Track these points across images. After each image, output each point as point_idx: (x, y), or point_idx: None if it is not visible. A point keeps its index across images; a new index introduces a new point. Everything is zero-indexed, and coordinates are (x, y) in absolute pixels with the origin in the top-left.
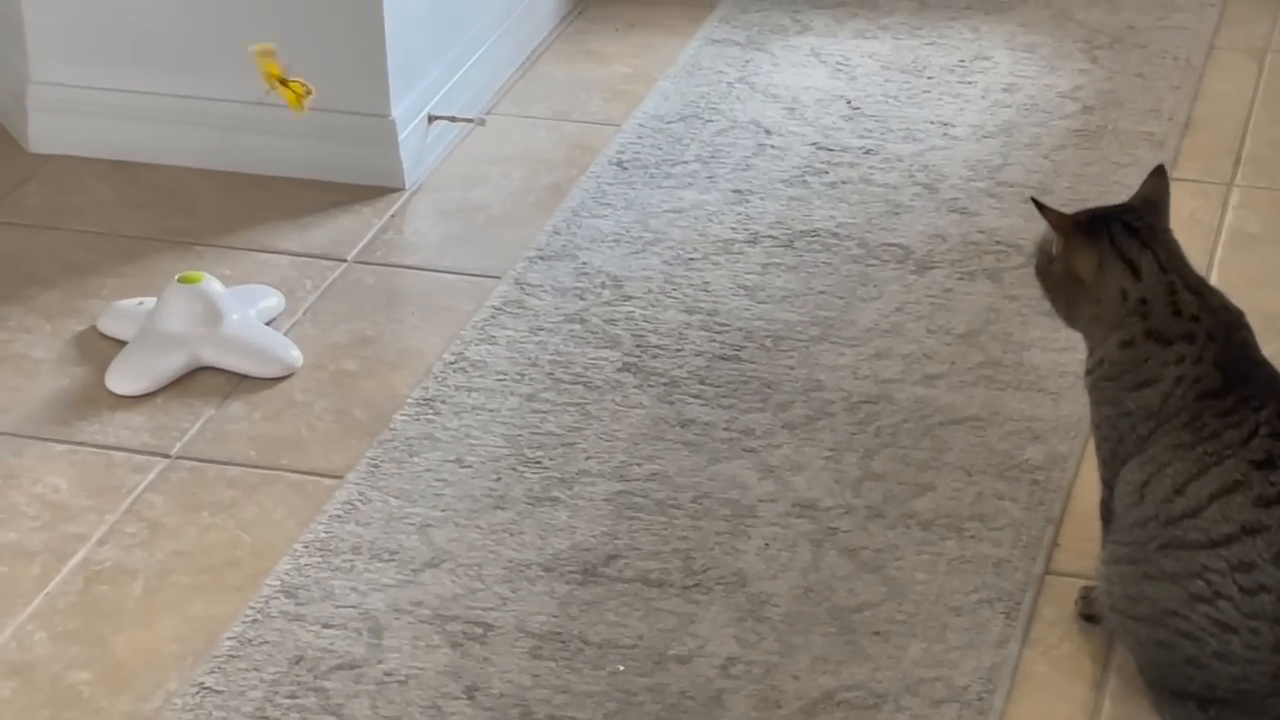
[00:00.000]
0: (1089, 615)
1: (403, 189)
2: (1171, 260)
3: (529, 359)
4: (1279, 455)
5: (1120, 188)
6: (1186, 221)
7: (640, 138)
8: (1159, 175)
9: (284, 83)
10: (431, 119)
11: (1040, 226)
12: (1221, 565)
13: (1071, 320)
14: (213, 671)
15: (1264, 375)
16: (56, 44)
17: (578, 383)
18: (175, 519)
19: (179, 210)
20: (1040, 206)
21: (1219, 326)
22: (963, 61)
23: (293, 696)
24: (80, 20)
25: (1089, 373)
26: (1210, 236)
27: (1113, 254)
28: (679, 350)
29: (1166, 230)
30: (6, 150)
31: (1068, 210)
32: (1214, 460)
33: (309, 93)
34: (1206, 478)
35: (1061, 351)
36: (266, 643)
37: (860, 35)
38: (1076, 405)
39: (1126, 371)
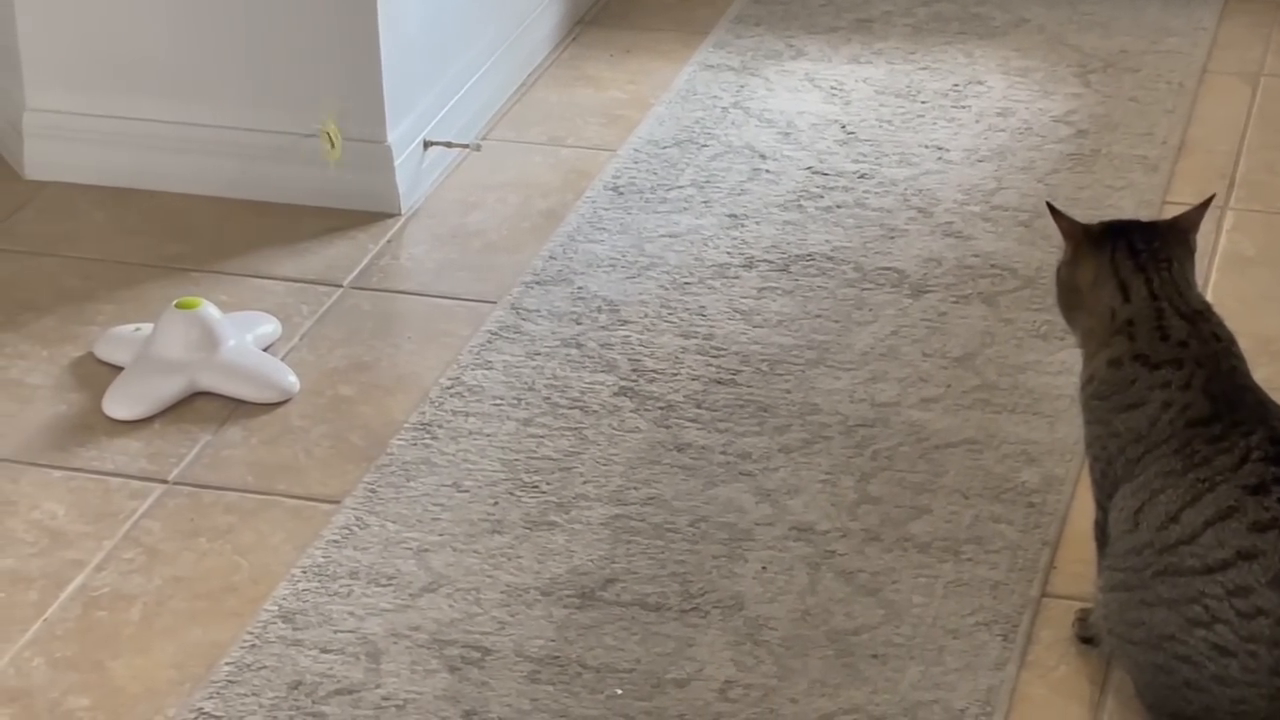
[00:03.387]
0: (1086, 638)
1: (399, 214)
2: (1165, 286)
3: (525, 383)
4: (1271, 480)
5: (1115, 211)
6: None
7: (636, 163)
8: (1205, 206)
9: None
10: (427, 144)
11: (1040, 249)
12: (1218, 590)
13: (1071, 327)
14: (211, 697)
15: (1253, 401)
16: (52, 71)
17: (574, 407)
18: (173, 545)
19: (175, 236)
20: (1054, 211)
21: (1208, 354)
22: (957, 86)
23: None
24: (76, 47)
25: (1082, 388)
26: (1204, 259)
27: (1109, 271)
28: (675, 374)
29: (1175, 255)
30: (2, 177)
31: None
32: (1206, 487)
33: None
34: (1200, 504)
35: (1056, 375)
36: (265, 668)
37: (854, 60)
38: (1072, 428)
39: (1115, 391)
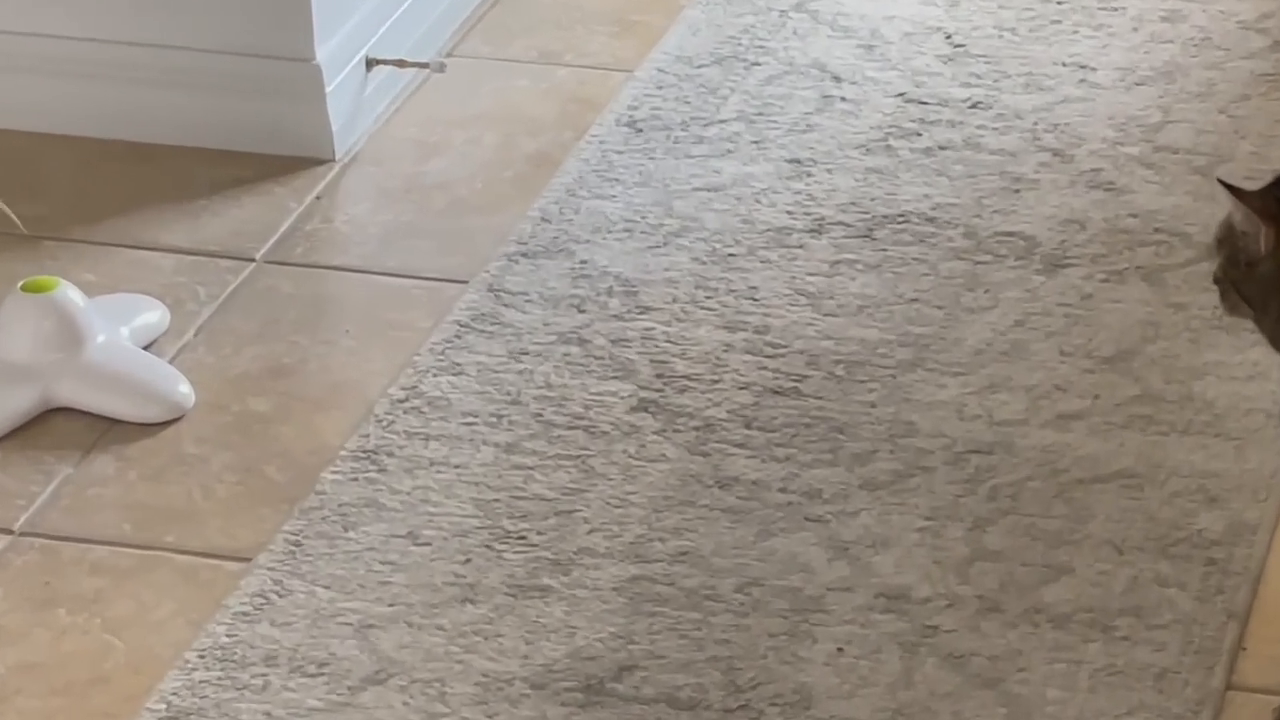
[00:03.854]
0: None
1: (332, 160)
2: None
3: (508, 395)
4: None
5: None
6: None
7: (660, 88)
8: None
9: None
10: (371, 64)
11: (1222, 208)
12: None
13: (1261, 329)
14: None
15: None
16: None
17: (576, 427)
18: (19, 619)
19: (23, 190)
20: (1232, 190)
21: None
22: None
23: None
24: None
25: None
26: None
27: None
28: (716, 381)
29: None
30: None
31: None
32: None
33: None
34: None
35: (1247, 381)
36: None
37: None
38: (1268, 455)
39: None
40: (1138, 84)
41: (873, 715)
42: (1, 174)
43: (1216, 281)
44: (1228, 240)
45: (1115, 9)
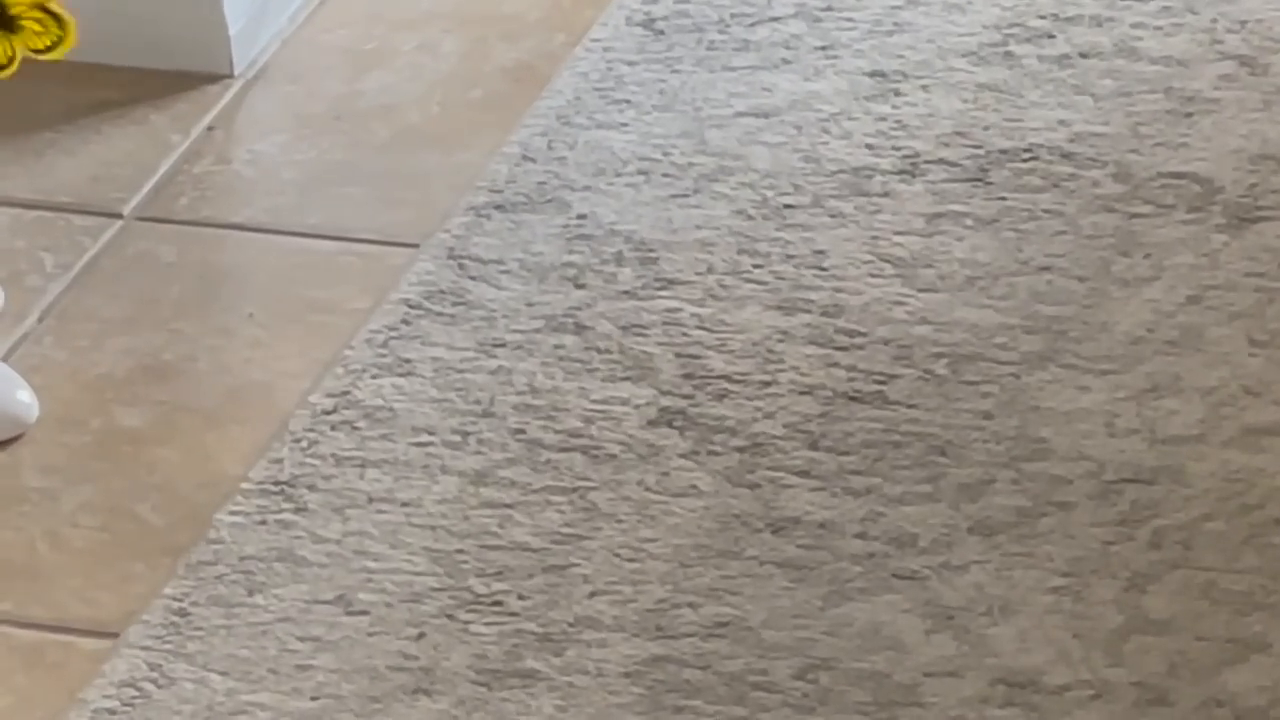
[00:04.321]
0: None
1: (230, 75)
2: None
3: (477, 404)
4: None
5: None
6: None
7: None
8: None
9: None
10: None
11: None
12: None
13: None
14: None
15: None
16: None
17: (572, 448)
18: None
19: None
20: None
21: None
22: None
23: None
24: None
25: None
26: None
27: None
28: (768, 384)
29: None
30: None
31: None
32: None
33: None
34: None
35: None
36: None
37: None
38: None
39: None
40: None
41: None
42: None
43: None
44: None
45: None
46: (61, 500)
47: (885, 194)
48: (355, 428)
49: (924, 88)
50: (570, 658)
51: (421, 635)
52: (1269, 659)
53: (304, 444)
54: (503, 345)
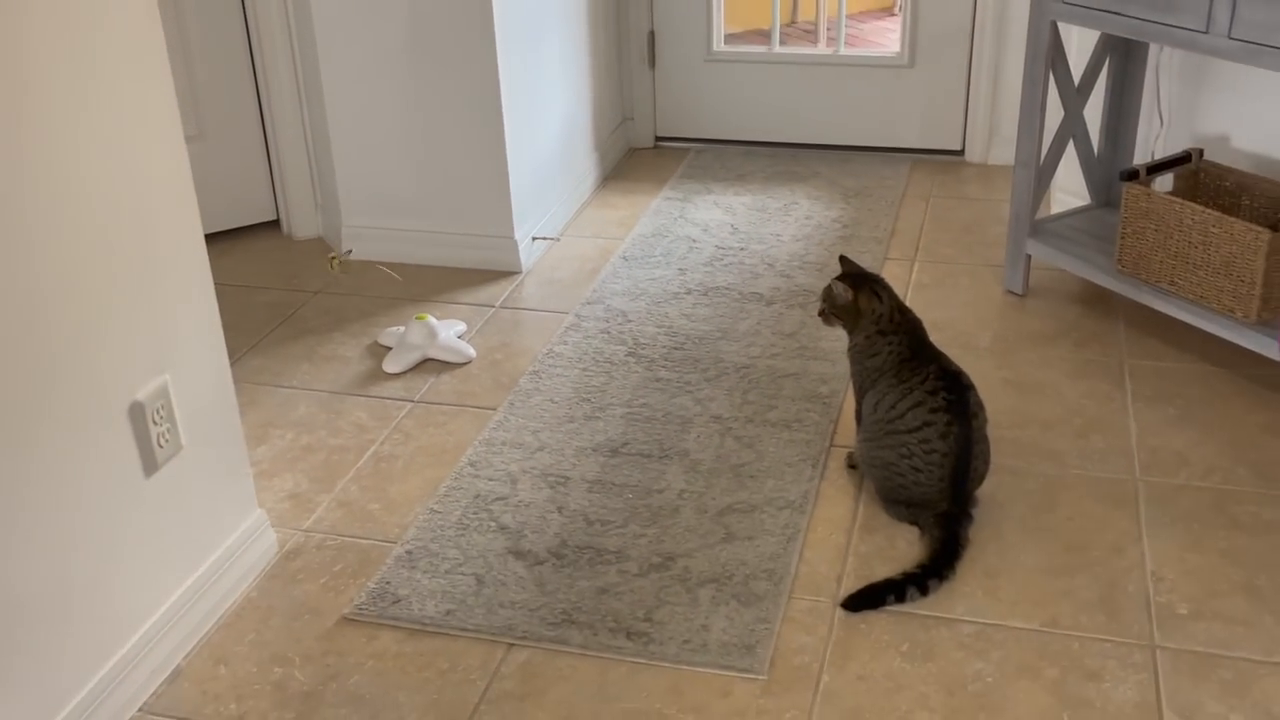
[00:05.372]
0: (852, 465)
1: (520, 272)
2: (891, 296)
3: (582, 352)
4: (939, 389)
5: (863, 263)
6: (896, 278)
7: (634, 245)
8: (845, 260)
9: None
10: (534, 239)
11: (822, 283)
12: (914, 441)
13: (846, 326)
14: None
15: (931, 350)
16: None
17: (605, 361)
18: None
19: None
20: (844, 280)
21: (910, 327)
22: (785, 205)
23: None
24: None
25: (849, 350)
26: (906, 285)
27: (869, 294)
28: (655, 344)
29: (884, 281)
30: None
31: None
32: (908, 391)
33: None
34: (905, 400)
35: (836, 341)
36: None
37: (737, 194)
38: (841, 367)
39: (865, 350)
40: (796, 240)
41: (711, 459)
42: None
43: (820, 313)
44: (828, 295)
45: (789, 216)
46: None
47: (682, 299)
48: (555, 357)
49: (693, 273)
50: (607, 411)
51: (572, 409)
52: (777, 411)
53: (541, 361)
54: (590, 337)
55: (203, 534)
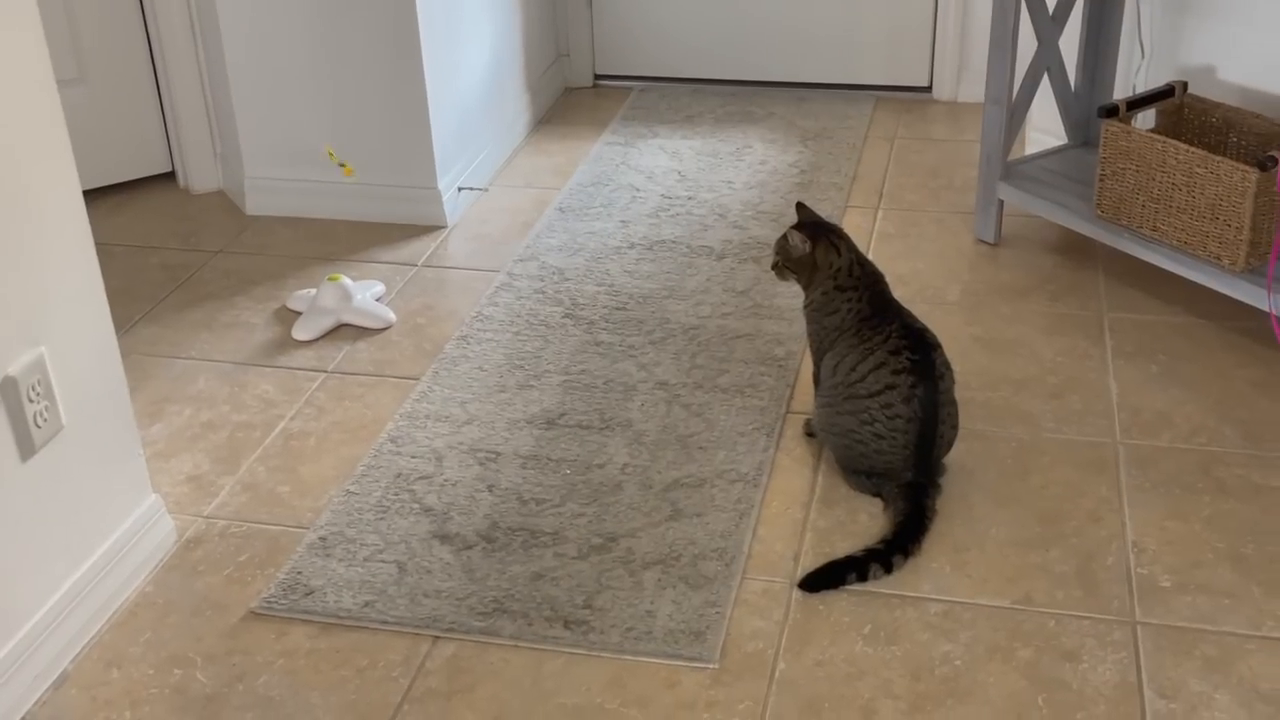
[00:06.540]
0: (810, 433)
1: (445, 227)
2: (850, 249)
3: (514, 314)
4: (902, 349)
5: (822, 212)
6: (857, 228)
7: (571, 195)
8: (802, 207)
9: (343, 165)
10: (460, 189)
11: (778, 233)
12: (876, 405)
13: (802, 281)
14: None
15: (894, 307)
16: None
17: (540, 324)
18: None
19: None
20: (800, 230)
21: (871, 281)
22: (737, 149)
23: None
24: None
25: (805, 307)
26: (868, 235)
27: (827, 246)
28: (594, 305)
29: (842, 232)
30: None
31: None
32: (869, 351)
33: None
34: (866, 361)
35: (792, 298)
36: None
37: (685, 137)
38: (798, 326)
39: (823, 307)
40: (750, 188)
41: (656, 429)
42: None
43: (774, 266)
44: (783, 247)
45: (742, 160)
46: None
47: (624, 254)
48: (483, 320)
49: (635, 225)
50: (542, 379)
51: (504, 374)
52: (729, 375)
53: (469, 325)
54: (522, 297)
55: (90, 523)
